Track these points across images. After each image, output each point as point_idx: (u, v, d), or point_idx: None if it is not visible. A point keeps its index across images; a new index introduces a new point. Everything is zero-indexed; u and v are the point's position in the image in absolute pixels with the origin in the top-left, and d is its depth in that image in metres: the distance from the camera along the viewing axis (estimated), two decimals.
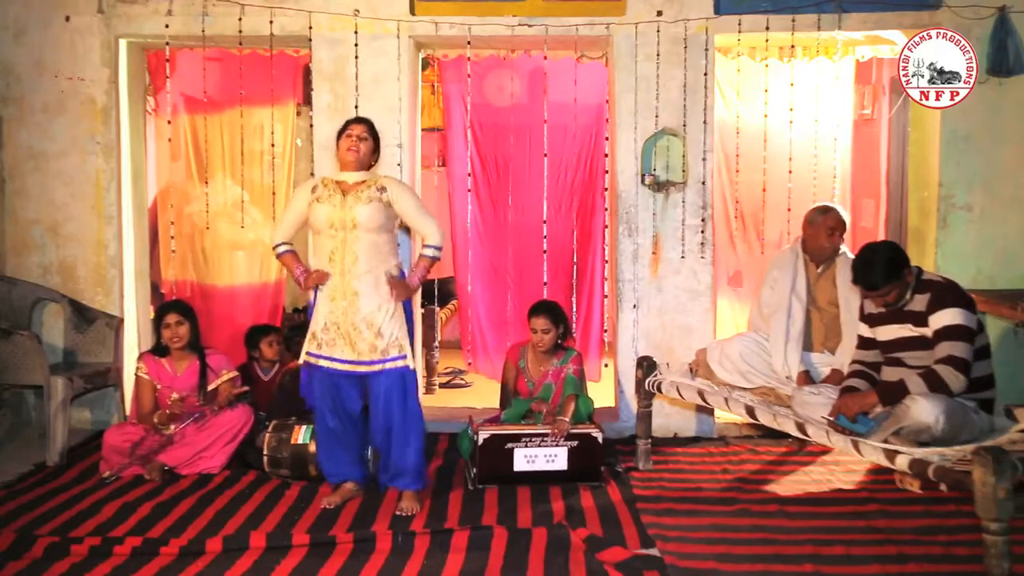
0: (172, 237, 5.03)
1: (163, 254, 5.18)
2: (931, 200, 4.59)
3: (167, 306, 4.24)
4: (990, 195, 4.53)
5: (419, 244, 3.82)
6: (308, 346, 3.54)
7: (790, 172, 4.75)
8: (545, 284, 5.01)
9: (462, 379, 5.92)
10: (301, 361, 3.57)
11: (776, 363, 3.84)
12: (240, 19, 4.50)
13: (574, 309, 5.30)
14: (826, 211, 3.95)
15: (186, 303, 4.32)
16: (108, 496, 3.65)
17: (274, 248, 3.64)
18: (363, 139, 3.50)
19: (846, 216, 3.99)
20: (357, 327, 3.42)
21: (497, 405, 4.30)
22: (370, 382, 3.48)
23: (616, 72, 4.58)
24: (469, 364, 5.57)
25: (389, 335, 3.43)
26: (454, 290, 5.75)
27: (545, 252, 4.99)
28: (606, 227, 4.95)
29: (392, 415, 3.48)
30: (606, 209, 5.04)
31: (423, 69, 5.03)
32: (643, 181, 4.56)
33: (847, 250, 3.98)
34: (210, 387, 4.14)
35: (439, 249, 3.54)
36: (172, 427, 3.98)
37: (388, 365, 3.44)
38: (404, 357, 3.46)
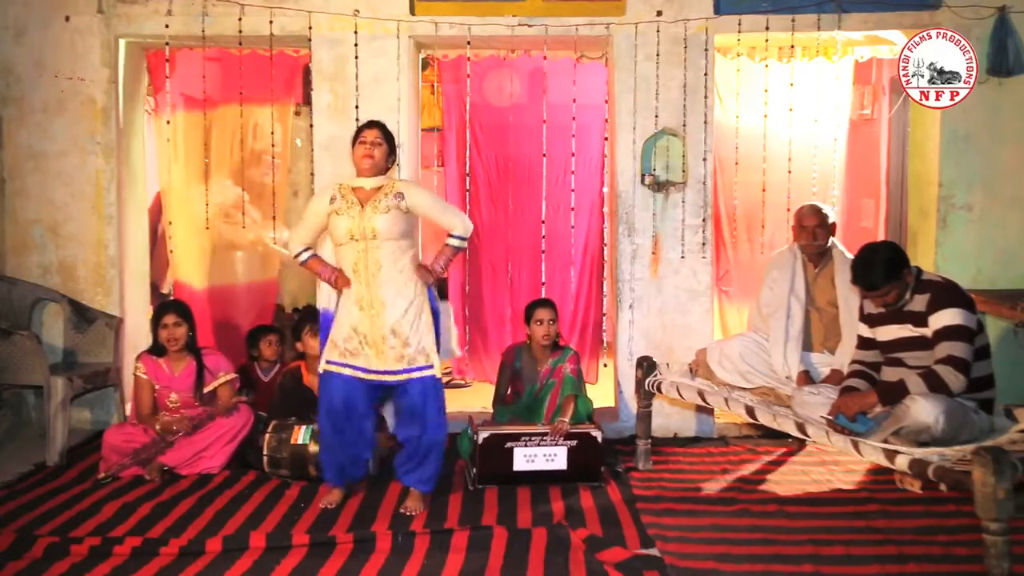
0: (170, 237, 5.03)
1: (163, 254, 5.18)
2: (931, 200, 4.59)
3: (165, 306, 4.22)
4: (990, 195, 4.53)
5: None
6: (328, 355, 3.50)
7: (789, 172, 4.75)
8: (544, 284, 5.01)
9: (463, 379, 5.91)
10: (321, 370, 3.53)
11: (776, 363, 3.85)
12: (240, 19, 4.50)
13: (573, 309, 5.30)
14: (801, 207, 4.04)
15: (184, 304, 4.30)
16: (108, 496, 3.65)
17: (296, 256, 3.61)
18: (377, 144, 3.46)
19: (828, 211, 4.00)
20: (385, 337, 3.40)
21: None
22: (398, 391, 3.48)
23: (616, 72, 4.59)
24: (467, 365, 5.57)
25: (416, 343, 3.42)
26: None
27: (544, 252, 4.99)
28: (605, 227, 4.95)
29: (427, 422, 3.48)
30: (605, 209, 5.04)
31: (423, 69, 5.03)
32: (643, 181, 4.56)
33: (845, 250, 3.99)
34: (207, 388, 4.12)
35: (464, 239, 3.55)
36: (175, 436, 3.97)
37: (416, 375, 3.43)
38: (431, 367, 3.46)
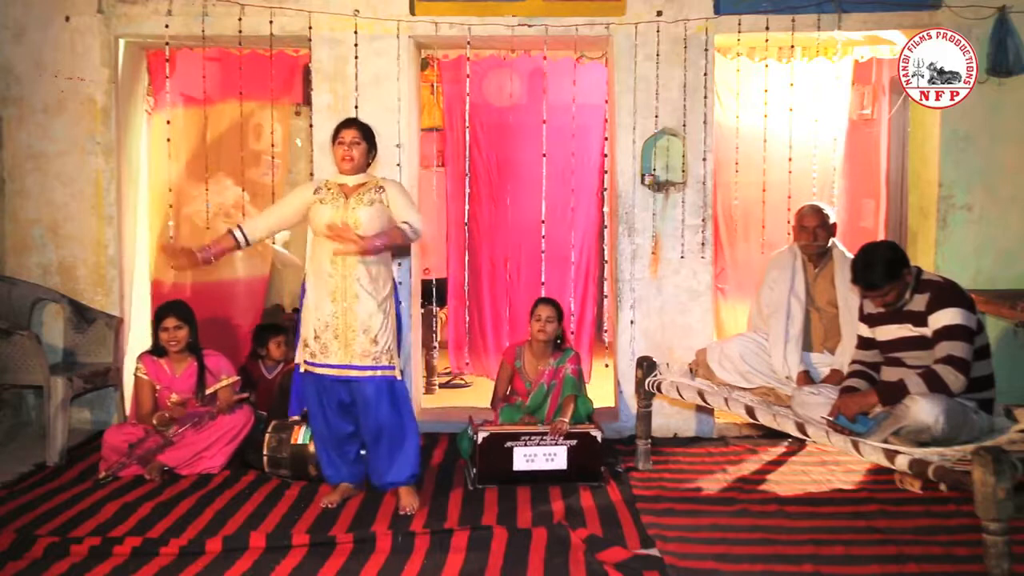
0: (171, 237, 5.00)
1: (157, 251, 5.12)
2: (931, 200, 4.59)
3: (166, 308, 4.18)
4: (990, 195, 4.53)
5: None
6: (302, 355, 3.54)
7: (790, 172, 4.75)
8: (543, 284, 5.01)
9: (462, 379, 5.93)
10: (302, 370, 3.56)
11: (776, 363, 3.85)
12: (240, 19, 4.50)
13: (572, 308, 5.31)
14: (802, 207, 4.05)
15: (185, 305, 4.25)
16: (108, 496, 3.65)
17: (235, 226, 3.55)
18: (356, 144, 3.50)
19: (829, 211, 4.00)
20: (355, 331, 3.42)
21: None
22: (357, 387, 3.48)
23: (616, 72, 4.58)
24: (466, 364, 5.60)
25: (383, 343, 3.45)
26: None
27: (543, 252, 4.99)
28: (605, 227, 4.95)
29: (383, 421, 3.49)
30: (605, 209, 5.04)
31: (423, 69, 5.03)
32: (643, 181, 4.56)
33: (846, 250, 3.99)
34: (208, 391, 4.12)
35: (416, 232, 3.42)
36: (172, 429, 3.97)
37: (378, 373, 3.45)
38: (392, 368, 3.48)
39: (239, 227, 3.55)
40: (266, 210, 3.71)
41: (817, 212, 3.96)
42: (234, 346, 5.00)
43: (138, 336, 4.81)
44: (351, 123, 3.57)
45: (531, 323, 4.14)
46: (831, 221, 3.97)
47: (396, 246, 3.50)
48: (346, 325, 3.43)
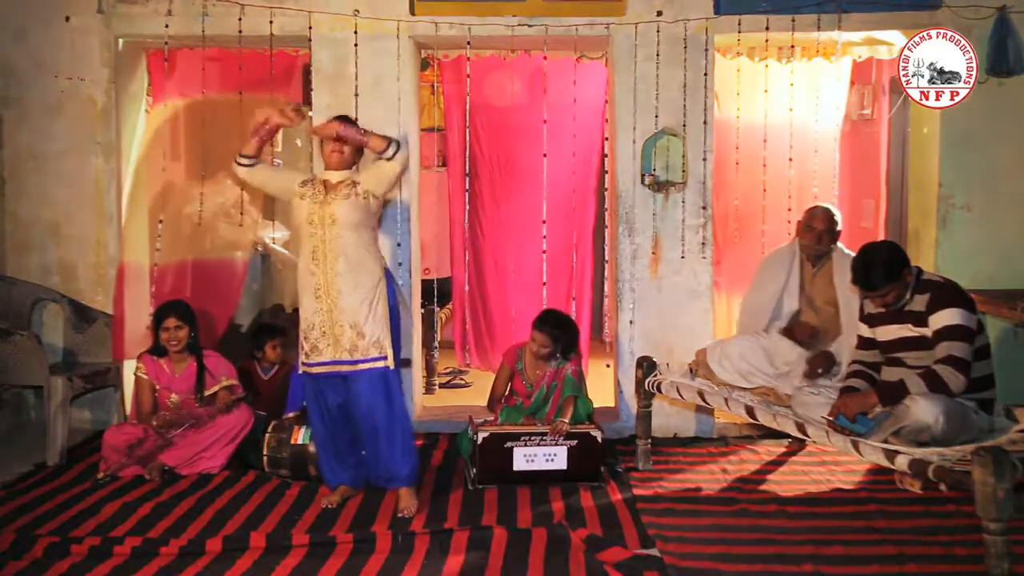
0: (159, 237, 4.91)
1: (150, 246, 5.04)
2: (931, 200, 4.59)
3: (166, 308, 4.17)
4: (990, 195, 4.53)
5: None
6: (301, 356, 3.55)
7: (790, 173, 4.74)
8: (544, 284, 5.00)
9: (462, 379, 5.93)
10: (300, 371, 3.57)
11: (775, 349, 3.84)
12: (240, 19, 4.50)
13: (574, 308, 5.31)
14: (815, 207, 4.04)
15: (186, 305, 4.23)
16: (108, 496, 3.65)
17: (240, 157, 3.53)
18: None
19: (839, 218, 3.99)
20: (341, 326, 3.43)
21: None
22: (351, 383, 3.48)
23: (616, 72, 4.58)
24: (467, 364, 5.61)
25: (370, 335, 3.44)
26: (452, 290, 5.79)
27: (544, 252, 4.98)
28: (605, 227, 4.95)
29: (376, 415, 3.48)
30: (605, 209, 5.04)
31: (423, 69, 5.03)
32: (643, 181, 4.56)
33: (845, 248, 3.99)
34: (208, 391, 4.11)
35: (396, 144, 3.41)
36: (172, 431, 3.97)
37: (367, 366, 3.44)
38: (384, 358, 3.47)
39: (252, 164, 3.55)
40: (269, 168, 3.70)
41: (828, 216, 3.95)
42: (210, 325, 4.85)
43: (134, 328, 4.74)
44: (343, 119, 3.57)
45: (532, 335, 4.11)
46: (838, 228, 3.97)
47: (372, 146, 3.43)
48: (332, 321, 3.43)
